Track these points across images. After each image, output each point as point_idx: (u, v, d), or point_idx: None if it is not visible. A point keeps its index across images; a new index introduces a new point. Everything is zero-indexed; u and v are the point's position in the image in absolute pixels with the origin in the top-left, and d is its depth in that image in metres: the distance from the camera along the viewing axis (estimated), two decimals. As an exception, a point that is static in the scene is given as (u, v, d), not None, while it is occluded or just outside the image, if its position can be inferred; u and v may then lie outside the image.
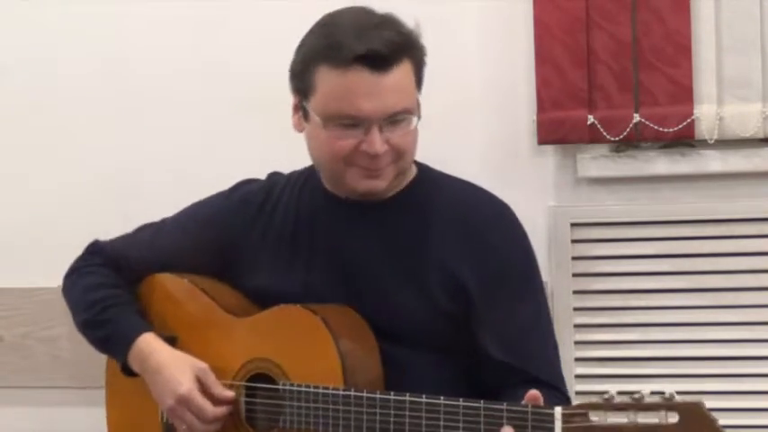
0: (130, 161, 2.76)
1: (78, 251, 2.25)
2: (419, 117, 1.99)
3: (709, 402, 1.65)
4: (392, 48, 1.90)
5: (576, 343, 2.61)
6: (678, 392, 1.65)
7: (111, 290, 2.13)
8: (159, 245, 2.17)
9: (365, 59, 1.88)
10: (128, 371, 2.08)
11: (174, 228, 2.18)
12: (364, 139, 1.92)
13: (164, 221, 2.21)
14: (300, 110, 2.00)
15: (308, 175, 2.12)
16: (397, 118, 1.93)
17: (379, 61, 1.89)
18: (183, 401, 1.97)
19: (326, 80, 1.92)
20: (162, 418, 2.07)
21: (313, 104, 1.95)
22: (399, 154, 1.96)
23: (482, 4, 2.62)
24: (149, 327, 2.08)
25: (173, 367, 2.00)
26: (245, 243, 2.10)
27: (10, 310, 2.81)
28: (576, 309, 2.61)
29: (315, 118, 1.95)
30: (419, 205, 2.04)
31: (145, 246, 2.18)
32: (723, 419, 2.49)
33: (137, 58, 2.76)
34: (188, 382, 1.97)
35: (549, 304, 2.56)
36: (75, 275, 2.19)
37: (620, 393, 1.67)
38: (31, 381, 2.82)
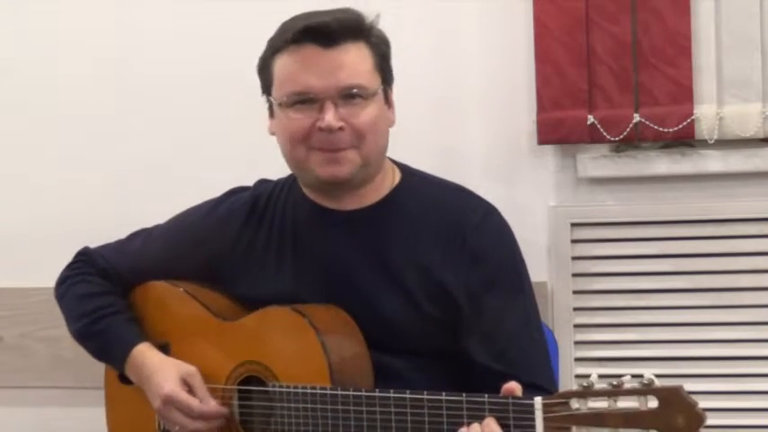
0: (130, 161, 2.76)
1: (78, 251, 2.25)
2: (387, 104, 2.00)
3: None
4: (340, 24, 1.93)
5: (576, 343, 2.61)
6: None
7: (103, 298, 2.14)
8: (147, 255, 2.17)
9: (311, 33, 1.92)
10: (125, 379, 2.10)
11: (162, 238, 2.18)
12: (319, 117, 1.93)
13: (152, 231, 2.21)
14: (269, 110, 2.03)
15: (291, 184, 2.12)
16: (351, 93, 1.94)
17: (325, 35, 1.92)
18: (169, 401, 1.98)
19: (280, 65, 1.97)
20: (159, 423, 2.07)
21: (274, 94, 1.99)
22: (358, 135, 1.95)
23: (482, 3, 2.62)
24: (142, 336, 2.09)
25: (160, 371, 2.02)
26: (231, 254, 2.09)
27: (10, 310, 2.81)
28: (575, 309, 2.61)
29: (276, 107, 1.99)
30: (402, 212, 2.02)
31: (133, 255, 2.18)
32: (723, 419, 2.52)
33: (136, 59, 2.76)
34: (172, 383, 1.99)
35: (549, 304, 2.58)
36: (67, 284, 2.20)
37: (600, 378, 1.68)
38: (31, 381, 2.82)
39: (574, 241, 2.60)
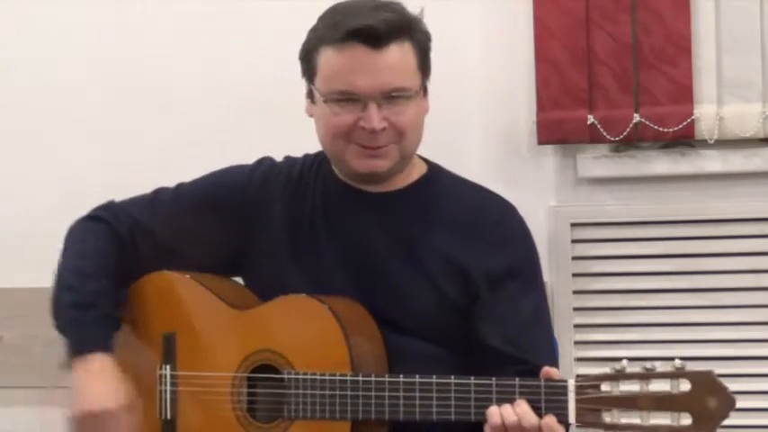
0: (131, 161, 2.76)
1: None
2: (424, 95, 2.02)
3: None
4: (388, 25, 1.94)
5: (576, 343, 2.61)
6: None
7: (100, 282, 2.10)
8: (180, 213, 2.14)
9: (360, 35, 1.93)
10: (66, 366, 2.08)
11: (195, 199, 2.16)
12: (362, 116, 1.95)
13: (179, 191, 2.18)
14: (309, 94, 2.04)
15: (321, 161, 2.13)
16: (395, 95, 1.96)
17: (373, 37, 1.93)
18: (102, 416, 1.96)
19: (326, 59, 1.96)
20: (161, 417, 2.07)
21: (317, 85, 2.00)
22: (399, 133, 1.98)
23: (482, 3, 2.63)
24: (109, 344, 2.06)
25: (111, 380, 2.00)
26: (263, 223, 2.09)
27: (10, 310, 2.81)
28: (575, 309, 2.61)
29: (318, 98, 2.00)
30: (426, 200, 2.06)
31: (163, 214, 2.15)
32: (723, 419, 2.50)
33: (138, 59, 2.76)
34: (116, 402, 1.97)
35: (549, 304, 2.57)
36: (82, 233, 2.18)
37: (630, 362, 1.69)
38: (31, 381, 2.82)
39: (574, 241, 2.61)
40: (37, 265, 2.68)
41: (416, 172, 2.09)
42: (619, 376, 1.69)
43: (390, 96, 1.96)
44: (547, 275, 2.59)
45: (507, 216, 2.07)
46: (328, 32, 1.97)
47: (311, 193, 2.10)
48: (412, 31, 1.99)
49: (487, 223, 2.03)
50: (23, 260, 2.79)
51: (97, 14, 2.77)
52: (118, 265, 2.13)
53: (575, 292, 2.61)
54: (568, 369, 2.57)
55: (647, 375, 1.67)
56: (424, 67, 2.03)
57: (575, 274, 2.61)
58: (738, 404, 2.50)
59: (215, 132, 2.73)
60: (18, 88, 2.82)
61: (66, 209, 2.77)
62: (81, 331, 2.08)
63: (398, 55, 1.96)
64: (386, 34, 1.94)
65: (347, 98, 1.96)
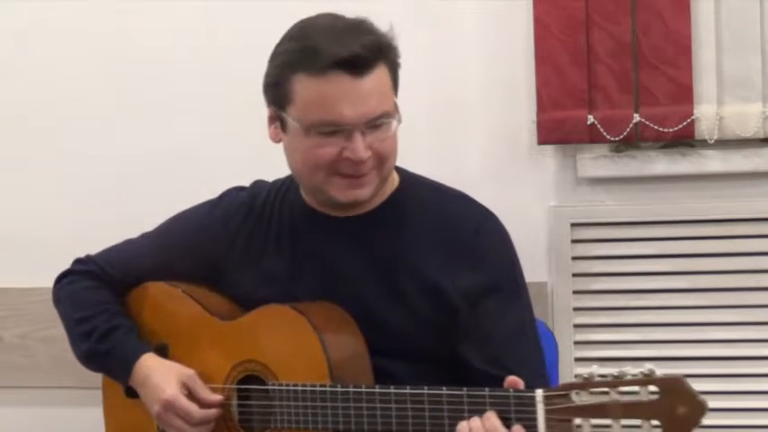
0: (130, 161, 2.76)
1: (78, 251, 2.25)
2: (399, 120, 1.94)
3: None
4: (370, 50, 1.87)
5: (576, 343, 2.61)
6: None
7: (103, 311, 2.12)
8: (144, 259, 2.15)
9: (344, 64, 1.85)
10: (130, 392, 2.08)
11: (159, 241, 2.17)
12: (346, 146, 1.88)
13: (148, 235, 2.19)
14: (277, 120, 1.96)
15: (288, 186, 2.10)
16: (378, 122, 1.90)
17: (357, 65, 1.86)
18: (169, 406, 1.97)
19: (305, 87, 1.88)
20: (159, 428, 2.07)
21: (292, 113, 1.91)
22: (382, 160, 1.92)
23: (482, 3, 2.62)
24: (143, 345, 2.08)
25: (157, 375, 2.01)
26: (229, 256, 2.09)
27: (10, 310, 2.82)
28: (575, 309, 2.61)
29: (294, 127, 1.91)
30: (400, 217, 2.01)
31: (129, 260, 2.17)
32: (723, 419, 2.52)
33: (137, 59, 2.76)
34: (172, 387, 1.98)
35: (549, 304, 2.58)
36: (66, 289, 2.19)
37: (600, 375, 1.68)
38: (31, 381, 2.83)
39: (574, 241, 2.60)
40: (36, 266, 2.70)
41: (389, 186, 2.03)
42: (587, 384, 1.67)
43: (374, 124, 1.89)
44: (547, 275, 2.60)
45: (483, 228, 2.00)
46: (306, 58, 1.87)
47: (278, 217, 2.06)
48: (386, 52, 1.91)
49: (463, 237, 1.98)
50: (23, 260, 2.79)
51: (97, 15, 2.77)
52: (106, 291, 2.16)
53: (575, 292, 2.61)
54: (568, 369, 2.57)
55: (616, 383, 1.65)
56: (396, 85, 1.95)
57: (575, 274, 2.61)
58: (738, 404, 2.54)
59: (216, 132, 2.73)
60: (18, 88, 2.82)
61: (67, 210, 2.79)
62: (116, 359, 2.08)
63: (378, 79, 1.89)
64: (367, 61, 1.86)
65: (331, 129, 1.88)
